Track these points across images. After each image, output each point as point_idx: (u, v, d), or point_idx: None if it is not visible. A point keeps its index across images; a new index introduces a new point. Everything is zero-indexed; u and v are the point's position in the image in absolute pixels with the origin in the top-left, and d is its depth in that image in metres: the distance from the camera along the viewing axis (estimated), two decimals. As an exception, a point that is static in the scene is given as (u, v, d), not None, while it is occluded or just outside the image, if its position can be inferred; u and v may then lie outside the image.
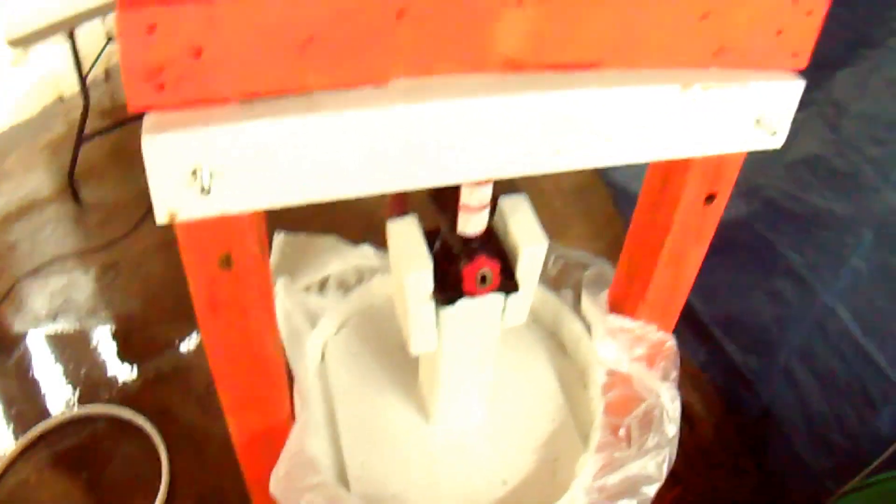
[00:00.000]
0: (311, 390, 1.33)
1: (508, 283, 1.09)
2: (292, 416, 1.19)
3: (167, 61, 0.71)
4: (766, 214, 1.91)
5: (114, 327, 2.50)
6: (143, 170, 0.73)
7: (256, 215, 0.90)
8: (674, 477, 1.90)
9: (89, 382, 2.34)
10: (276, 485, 1.15)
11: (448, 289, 1.06)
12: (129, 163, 3.03)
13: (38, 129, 3.27)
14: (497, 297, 1.11)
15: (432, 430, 1.33)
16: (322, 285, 1.44)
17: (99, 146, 3.05)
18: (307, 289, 1.41)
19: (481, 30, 0.80)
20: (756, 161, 1.84)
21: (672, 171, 1.07)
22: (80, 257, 2.73)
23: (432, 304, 1.08)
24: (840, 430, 1.71)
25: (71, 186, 2.93)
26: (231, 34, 0.72)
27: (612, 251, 1.25)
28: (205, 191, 0.75)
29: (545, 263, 1.45)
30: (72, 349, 2.45)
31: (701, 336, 2.20)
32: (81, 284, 2.64)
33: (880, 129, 1.60)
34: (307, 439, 1.16)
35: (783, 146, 1.01)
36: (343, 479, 1.27)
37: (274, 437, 1.16)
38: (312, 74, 0.77)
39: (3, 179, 3.05)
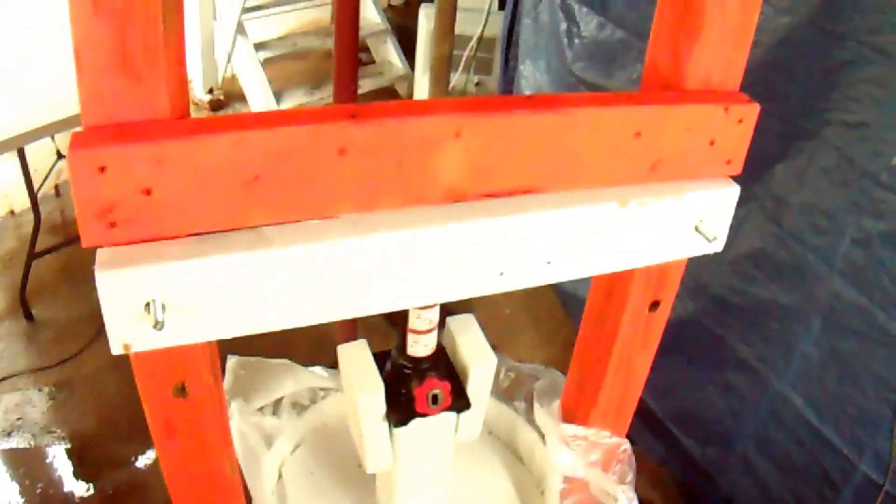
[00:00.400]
0: (272, 512, 1.32)
1: (460, 402, 1.11)
2: (251, 538, 1.18)
3: (118, 200, 0.73)
4: (714, 310, 1.95)
5: (69, 445, 2.48)
6: (94, 287, 0.74)
7: (209, 345, 0.91)
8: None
9: (45, 501, 2.31)
10: None
11: (401, 410, 1.07)
12: (81, 280, 3.02)
13: (-11, 244, 3.27)
14: (449, 416, 1.12)
15: (392, 548, 1.32)
16: (276, 407, 1.44)
17: (50, 262, 3.04)
18: (262, 410, 1.41)
19: (422, 162, 0.82)
20: (701, 261, 1.87)
21: (616, 282, 1.10)
22: (32, 375, 2.71)
23: (386, 424, 1.09)
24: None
25: (22, 303, 2.92)
26: (179, 174, 0.74)
27: (563, 355, 1.27)
28: (158, 324, 0.76)
29: (497, 375, 1.47)
30: (27, 466, 2.42)
31: (657, 432, 2.21)
32: (35, 402, 2.62)
33: (821, 218, 1.65)
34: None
35: (726, 243, 1.03)
36: None
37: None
38: (260, 211, 0.80)
39: (-48, 296, 3.03)
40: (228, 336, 0.84)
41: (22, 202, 3.33)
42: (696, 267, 1.93)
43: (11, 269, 3.07)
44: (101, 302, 0.76)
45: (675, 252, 1.01)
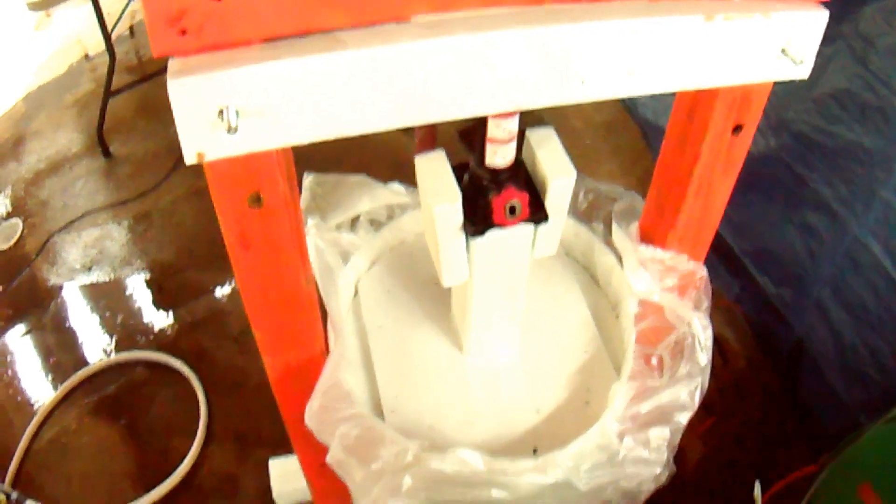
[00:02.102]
0: (345, 325, 1.34)
1: (538, 214, 1.09)
2: (326, 352, 1.20)
3: (188, 6, 0.71)
4: (797, 148, 1.91)
5: (148, 275, 2.54)
6: (171, 122, 0.74)
7: (284, 153, 0.91)
8: (706, 409, 1.92)
9: (126, 330, 2.39)
10: (310, 417, 1.17)
11: (478, 220, 1.07)
12: (157, 116, 3.05)
13: (65, 88, 3.30)
14: (527, 228, 1.11)
15: (466, 361, 1.34)
16: (353, 224, 1.45)
17: (126, 101, 3.08)
18: (339, 227, 1.42)
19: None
20: (785, 95, 1.84)
21: (699, 103, 1.06)
22: (112, 210, 2.77)
23: (462, 235, 1.09)
24: (873, 363, 1.72)
25: (100, 141, 2.96)
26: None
27: (642, 186, 1.25)
28: (231, 130, 0.76)
29: (576, 196, 1.45)
30: (107, 299, 2.49)
31: (734, 270, 2.20)
32: (115, 235, 2.68)
33: (909, 64, 1.58)
34: (341, 372, 1.17)
35: (811, 80, 1.00)
36: (378, 411, 1.28)
37: (308, 372, 1.18)
38: (332, 13, 0.77)
39: (33, 138, 3.08)
40: (302, 142, 0.83)
41: (96, 45, 3.34)
42: (780, 102, 1.91)
43: (88, 110, 3.11)
44: (174, 111, 0.75)
45: (760, 73, 0.97)
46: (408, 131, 2.09)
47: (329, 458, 1.16)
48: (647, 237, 1.28)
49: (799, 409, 2.04)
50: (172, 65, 0.75)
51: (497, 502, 1.11)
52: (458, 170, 1.10)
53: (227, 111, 0.75)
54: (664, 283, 1.26)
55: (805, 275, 1.96)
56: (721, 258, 2.23)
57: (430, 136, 1.67)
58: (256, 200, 0.90)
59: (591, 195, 1.46)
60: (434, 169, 1.09)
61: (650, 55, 0.88)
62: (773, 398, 2.04)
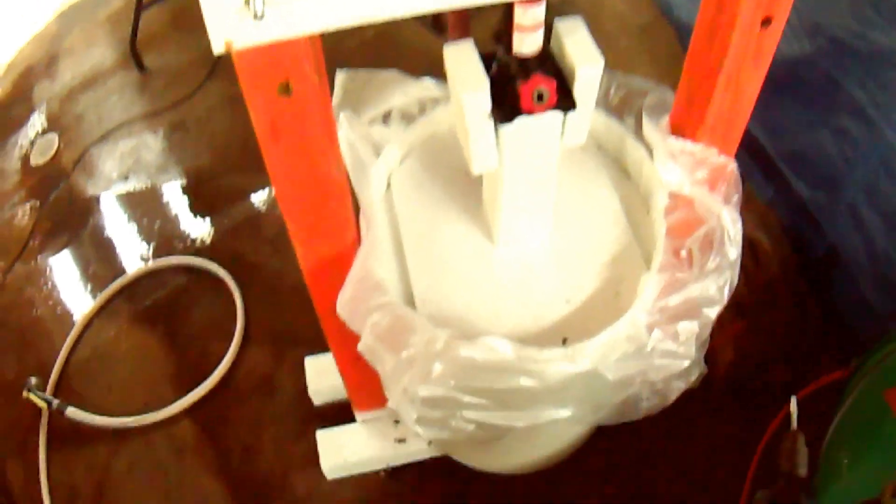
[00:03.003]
0: (376, 216, 1.35)
1: (566, 101, 1.09)
2: (359, 243, 1.22)
3: None
4: (831, 52, 1.88)
5: (184, 182, 2.55)
6: (203, 32, 0.75)
7: (312, 41, 0.91)
8: (738, 312, 1.92)
9: (163, 237, 2.41)
10: (343, 306, 1.19)
11: (506, 107, 1.07)
12: (189, 27, 3.03)
13: (97, 4, 3.28)
14: (555, 115, 1.11)
15: (497, 252, 1.35)
16: (385, 118, 1.45)
17: (158, 14, 3.07)
18: (371, 122, 1.43)
19: None
20: (818, -1, 1.81)
21: (726, -5, 1.06)
22: (146, 120, 2.77)
23: (491, 122, 1.09)
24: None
25: (133, 55, 2.95)
26: None
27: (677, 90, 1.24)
28: (258, 16, 0.76)
29: (607, 91, 1.45)
30: (144, 207, 2.51)
31: (768, 173, 2.18)
32: (150, 145, 2.68)
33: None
34: (373, 263, 1.19)
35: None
36: (409, 301, 1.30)
37: (341, 263, 1.20)
38: None
39: (66, 55, 3.08)
40: (329, 27, 0.83)
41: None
42: (815, 5, 1.87)
43: (121, 26, 3.08)
44: (202, 2, 0.76)
45: None
46: (441, 30, 2.08)
47: (360, 346, 1.18)
48: (677, 131, 1.28)
49: (830, 315, 2.04)
50: (199, -48, 0.75)
51: (526, 390, 1.13)
52: (487, 59, 1.10)
53: None
54: (694, 177, 1.26)
55: (839, 179, 1.94)
56: (755, 161, 2.21)
57: (464, 34, 1.65)
58: (286, 89, 0.91)
59: (622, 90, 1.46)
60: (462, 57, 1.09)
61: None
62: (805, 303, 2.03)
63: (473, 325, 1.25)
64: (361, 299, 1.18)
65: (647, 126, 1.30)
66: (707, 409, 1.86)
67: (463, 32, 1.76)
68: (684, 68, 1.24)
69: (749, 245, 2.02)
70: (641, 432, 1.69)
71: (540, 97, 1.06)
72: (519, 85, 1.05)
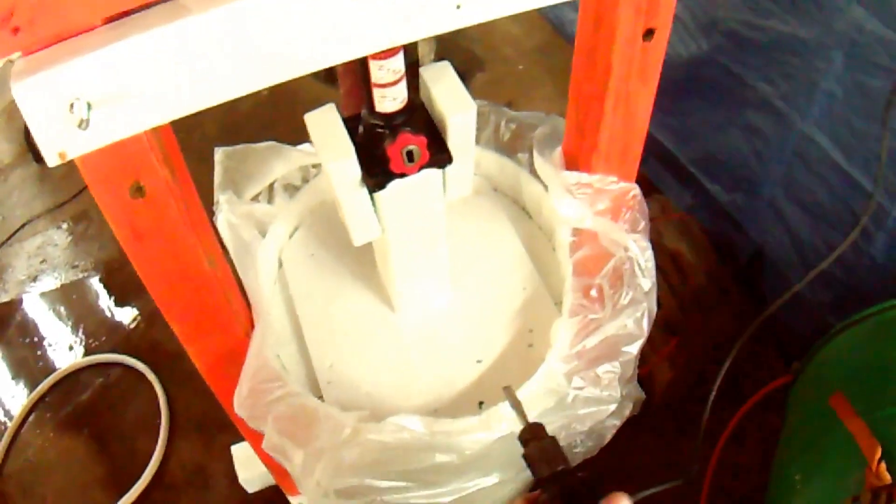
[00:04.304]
0: (269, 300, 1.29)
1: (440, 157, 1.02)
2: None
3: (15, 2, 0.63)
4: (730, 47, 1.84)
5: (94, 275, 2.50)
6: None
7: (158, 136, 0.84)
8: (670, 330, 1.87)
9: (79, 335, 2.36)
10: (240, 405, 1.11)
11: (376, 172, 1.00)
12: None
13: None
14: (432, 172, 1.04)
15: (399, 319, 1.28)
16: (270, 193, 1.38)
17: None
18: (257, 198, 1.36)
19: None
20: (710, -8, 1.77)
21: (602, 9, 0.99)
22: (50, 214, 2.72)
23: (364, 189, 1.02)
24: (835, 261, 1.67)
25: (30, 148, 2.88)
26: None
27: (582, 108, 1.18)
28: (83, 124, 0.68)
29: (497, 128, 1.40)
30: (57, 307, 2.46)
31: (683, 180, 2.15)
32: (56, 240, 2.65)
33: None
34: (268, 352, 1.12)
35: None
36: (314, 383, 1.23)
37: (236, 356, 1.13)
38: None
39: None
40: (164, 121, 0.75)
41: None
42: (705, 1, 1.83)
43: (15, 119, 3.02)
44: (24, 114, 0.68)
45: None
46: (332, 80, 2.04)
47: (265, 445, 1.10)
48: (571, 161, 1.21)
49: (765, 316, 2.00)
50: (15, 67, 0.67)
51: (445, 465, 1.05)
52: (351, 120, 1.03)
53: (78, 104, 0.68)
54: (595, 208, 1.19)
55: (755, 177, 1.90)
56: (668, 169, 2.17)
57: (355, 82, 1.58)
58: (139, 190, 0.84)
59: (512, 125, 1.40)
60: (325, 124, 1.02)
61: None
62: (738, 309, 1.99)
63: (384, 402, 1.18)
64: (260, 393, 1.10)
65: (539, 161, 1.24)
66: (646, 429, 1.81)
67: (353, 80, 1.70)
68: (570, 94, 1.18)
69: (671, 258, 1.98)
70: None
71: (410, 156, 0.98)
72: (387, 146, 0.97)
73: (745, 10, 1.76)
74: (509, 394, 0.95)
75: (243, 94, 0.75)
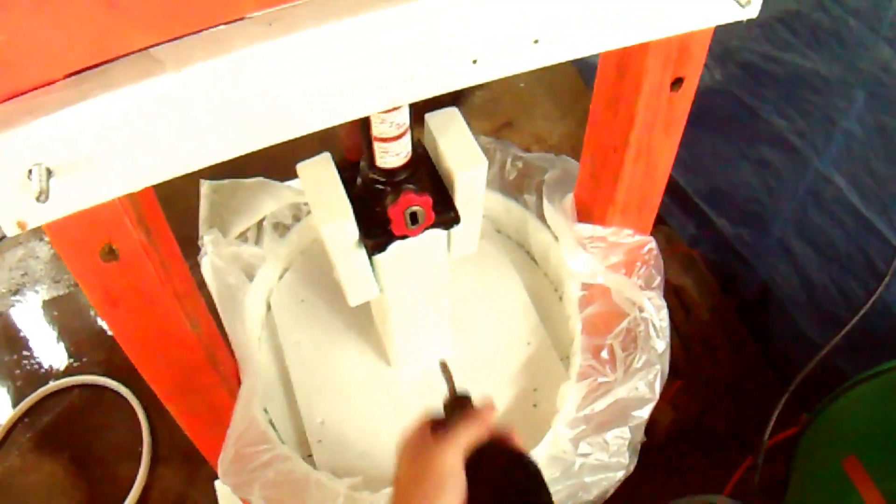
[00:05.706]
0: (255, 354, 1.20)
1: (446, 217, 0.94)
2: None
3: None
4: (745, 79, 1.78)
5: (78, 289, 2.41)
6: None
7: (133, 197, 0.74)
8: (673, 371, 1.80)
9: (61, 354, 2.30)
10: (225, 472, 1.04)
11: (376, 234, 0.92)
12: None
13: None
14: (437, 233, 0.97)
15: (396, 374, 1.22)
16: (258, 231, 1.30)
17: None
18: (243, 237, 1.28)
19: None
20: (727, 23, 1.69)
21: (628, 58, 0.92)
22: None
23: (362, 251, 0.94)
24: (845, 304, 1.60)
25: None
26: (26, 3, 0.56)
27: (582, 128, 1.10)
28: (43, 196, 0.59)
29: (503, 167, 1.33)
30: (38, 322, 2.39)
31: (689, 211, 2.09)
32: (38, 253, 2.58)
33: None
34: (255, 410, 1.05)
35: (756, 1, 0.84)
36: (303, 441, 1.16)
37: (222, 413, 1.06)
38: (139, 28, 0.60)
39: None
40: (137, 189, 0.66)
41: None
42: (723, 29, 1.75)
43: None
44: None
45: (700, 20, 0.79)
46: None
47: (252, 517, 1.03)
48: (584, 210, 1.15)
49: (771, 357, 1.95)
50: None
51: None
52: (348, 171, 0.94)
53: (36, 171, 0.59)
54: (608, 261, 1.12)
55: (764, 213, 1.84)
56: (674, 200, 2.11)
57: (356, 133, 1.48)
58: (111, 253, 0.77)
59: (519, 163, 1.33)
60: (319, 177, 0.94)
61: (559, 16, 0.70)
62: (743, 348, 1.93)
63: (379, 465, 1.11)
64: (246, 458, 1.03)
65: (549, 210, 1.17)
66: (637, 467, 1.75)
67: (353, 125, 1.63)
68: (585, 142, 1.10)
69: (675, 293, 1.91)
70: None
71: (414, 218, 0.89)
72: (387, 205, 0.89)
73: (763, 42, 1.69)
74: (444, 369, 0.93)
75: (226, 158, 0.67)
